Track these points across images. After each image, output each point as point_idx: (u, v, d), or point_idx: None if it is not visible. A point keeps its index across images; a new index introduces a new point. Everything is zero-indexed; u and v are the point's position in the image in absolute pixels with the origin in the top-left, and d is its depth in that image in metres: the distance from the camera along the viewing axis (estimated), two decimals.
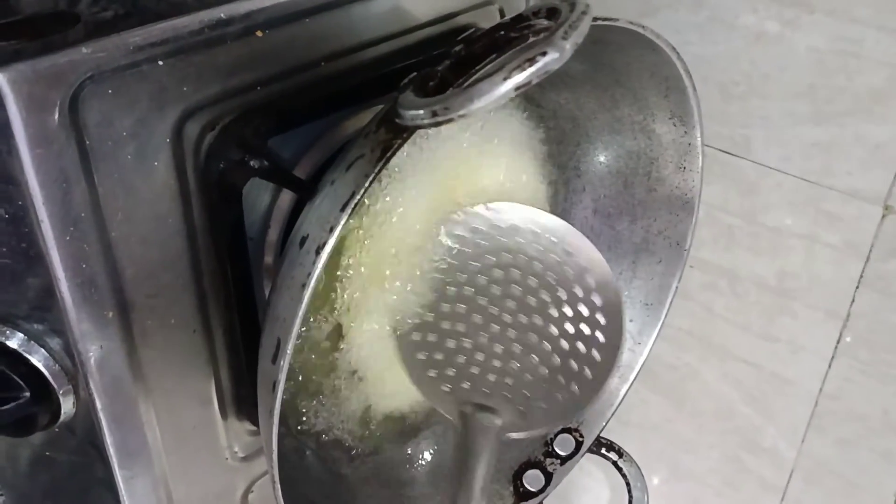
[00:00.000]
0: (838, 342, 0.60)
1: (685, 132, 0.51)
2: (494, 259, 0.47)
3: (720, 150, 0.60)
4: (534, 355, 0.46)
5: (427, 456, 0.56)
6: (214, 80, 0.40)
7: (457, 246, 0.47)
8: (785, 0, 0.53)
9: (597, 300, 0.47)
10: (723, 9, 0.56)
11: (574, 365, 0.46)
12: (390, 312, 0.46)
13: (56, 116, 0.34)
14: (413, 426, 0.55)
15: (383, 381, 0.49)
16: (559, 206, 0.58)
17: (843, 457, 0.62)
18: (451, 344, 0.46)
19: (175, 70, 0.38)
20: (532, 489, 0.57)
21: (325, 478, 0.50)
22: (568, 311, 0.47)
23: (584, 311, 0.47)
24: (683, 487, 0.74)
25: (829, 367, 0.61)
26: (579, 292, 0.47)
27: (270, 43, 0.41)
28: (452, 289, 0.46)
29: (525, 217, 0.48)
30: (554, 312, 0.47)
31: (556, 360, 0.46)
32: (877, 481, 0.61)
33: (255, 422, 0.49)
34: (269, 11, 0.41)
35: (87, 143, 0.36)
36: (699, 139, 0.51)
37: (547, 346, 0.47)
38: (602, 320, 0.47)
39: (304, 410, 0.48)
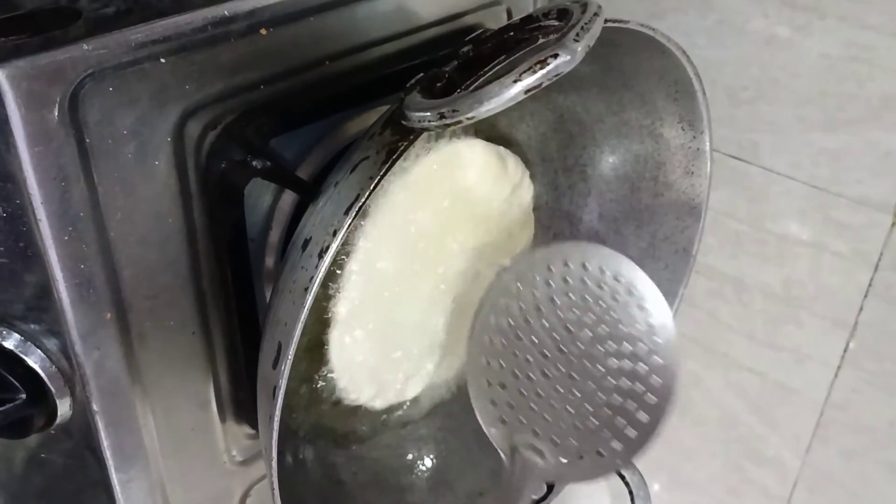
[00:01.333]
0: (845, 352, 0.59)
1: (693, 137, 0.51)
2: (572, 299, 0.47)
3: (728, 156, 0.60)
4: (587, 405, 0.46)
5: (428, 462, 0.55)
6: (217, 79, 0.39)
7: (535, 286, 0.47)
8: (797, 5, 0.52)
9: (657, 361, 0.47)
10: (732, 13, 0.55)
11: (621, 421, 0.46)
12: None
13: (56, 114, 0.34)
14: (414, 432, 0.54)
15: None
16: (564, 209, 0.57)
17: (848, 468, 0.62)
18: (514, 377, 0.46)
19: (177, 68, 0.37)
20: (534, 497, 0.56)
21: (324, 484, 0.49)
22: (627, 364, 0.47)
23: (643, 369, 0.47)
24: (685, 496, 0.73)
25: (836, 376, 0.60)
26: (643, 350, 0.47)
27: (274, 41, 0.41)
28: (523, 324, 0.46)
29: (606, 263, 0.48)
30: (614, 364, 0.47)
31: (606, 413, 0.46)
32: (882, 493, 0.61)
33: (253, 425, 0.49)
34: (273, 9, 0.40)
35: (87, 141, 0.35)
36: (708, 144, 0.51)
37: (601, 397, 0.46)
38: (656, 382, 0.47)
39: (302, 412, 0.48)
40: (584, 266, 0.47)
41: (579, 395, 0.46)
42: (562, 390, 0.46)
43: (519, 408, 0.45)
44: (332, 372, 0.47)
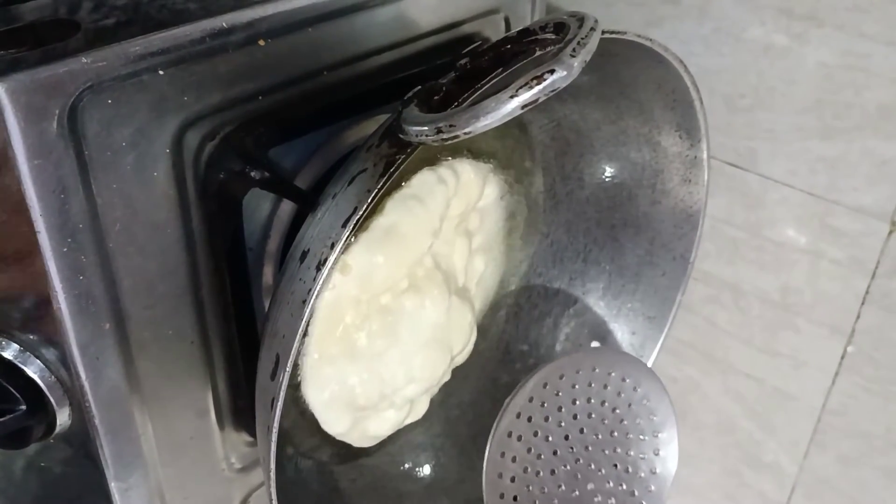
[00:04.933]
0: (842, 358, 0.59)
1: (691, 145, 0.51)
2: (591, 402, 0.49)
3: (725, 163, 0.60)
4: None
5: (426, 469, 0.55)
6: (215, 90, 0.39)
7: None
8: (794, 14, 0.52)
9: (655, 469, 0.50)
10: (729, 21, 0.56)
11: None
12: None
13: (55, 126, 0.34)
14: (412, 439, 0.54)
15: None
16: (562, 217, 0.57)
17: (845, 474, 0.62)
18: (524, 471, 0.47)
19: (176, 79, 0.38)
20: None
21: (323, 491, 0.49)
22: (628, 471, 0.49)
23: (640, 477, 0.49)
24: (683, 501, 0.74)
25: (833, 383, 0.60)
26: (643, 458, 0.49)
27: (272, 52, 0.41)
28: (543, 421, 0.48)
29: (629, 373, 0.50)
30: (614, 470, 0.49)
31: None
32: (879, 499, 0.61)
33: (252, 433, 0.49)
34: (271, 20, 0.40)
35: (86, 153, 0.35)
36: (705, 152, 0.51)
37: (598, 500, 0.49)
38: (651, 489, 0.49)
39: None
40: (609, 373, 0.49)
41: (578, 495, 0.48)
42: (564, 489, 0.48)
43: (522, 502, 0.47)
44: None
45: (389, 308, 0.46)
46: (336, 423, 0.47)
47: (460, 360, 0.52)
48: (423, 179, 0.45)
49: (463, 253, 0.51)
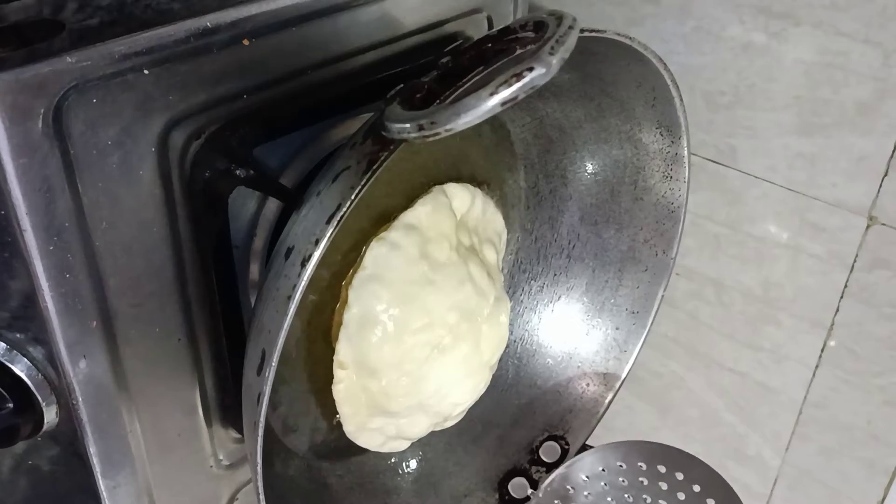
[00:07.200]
0: (822, 351, 0.60)
1: (671, 142, 0.51)
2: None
3: (706, 159, 0.60)
4: None
5: (412, 464, 0.56)
6: (200, 89, 0.40)
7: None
8: (772, 12, 0.53)
9: None
10: (709, 19, 0.56)
11: None
12: None
13: (40, 126, 0.34)
14: None
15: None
16: (546, 213, 0.58)
17: (827, 465, 0.63)
18: None
19: (160, 79, 0.38)
20: (517, 497, 0.57)
21: (310, 487, 0.50)
22: None
23: None
24: None
25: (814, 375, 0.61)
26: None
27: (257, 52, 0.41)
28: None
29: (685, 468, 0.49)
30: None
31: None
32: (860, 490, 0.62)
33: (240, 430, 0.49)
34: (255, 20, 0.41)
35: (72, 152, 0.36)
36: (686, 149, 0.51)
37: None
38: None
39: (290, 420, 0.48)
40: (658, 468, 0.48)
41: None
42: None
43: None
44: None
45: (411, 373, 0.47)
46: (370, 445, 0.50)
47: (499, 354, 0.53)
48: (375, 255, 0.45)
49: (479, 265, 0.50)
